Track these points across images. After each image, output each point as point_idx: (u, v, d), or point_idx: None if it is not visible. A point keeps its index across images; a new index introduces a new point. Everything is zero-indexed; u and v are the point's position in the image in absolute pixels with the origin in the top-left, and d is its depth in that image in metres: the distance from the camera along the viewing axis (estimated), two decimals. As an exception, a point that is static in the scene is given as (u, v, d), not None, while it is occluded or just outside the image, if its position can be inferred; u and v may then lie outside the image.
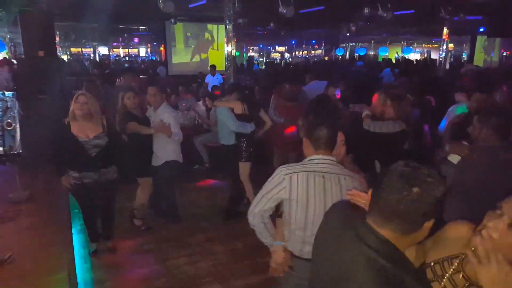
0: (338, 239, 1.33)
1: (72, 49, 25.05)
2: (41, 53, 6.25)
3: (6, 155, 2.64)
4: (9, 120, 2.63)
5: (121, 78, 7.25)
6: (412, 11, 11.35)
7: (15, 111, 2.69)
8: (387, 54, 24.76)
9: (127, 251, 4.20)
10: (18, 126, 2.67)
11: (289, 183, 2.08)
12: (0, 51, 13.61)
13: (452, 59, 15.97)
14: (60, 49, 19.83)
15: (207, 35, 15.29)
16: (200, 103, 7.36)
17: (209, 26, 15.17)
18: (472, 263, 1.15)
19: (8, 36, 16.49)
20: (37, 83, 5.94)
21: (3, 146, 2.61)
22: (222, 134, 4.87)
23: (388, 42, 26.08)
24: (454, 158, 2.87)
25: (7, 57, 13.55)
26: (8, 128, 2.64)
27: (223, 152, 5.06)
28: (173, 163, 4.44)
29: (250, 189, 4.76)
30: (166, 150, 4.40)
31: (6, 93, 2.67)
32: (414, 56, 25.66)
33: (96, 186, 3.62)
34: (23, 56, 7.07)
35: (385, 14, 9.61)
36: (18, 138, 2.70)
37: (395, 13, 9.89)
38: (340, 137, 2.35)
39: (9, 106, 2.66)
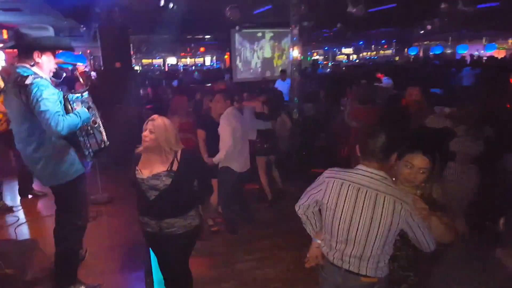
0: None
1: (144, 60, 26.52)
2: (118, 65, 6.68)
3: (100, 149, 2.91)
4: (93, 118, 2.86)
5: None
6: (497, 3, 10.37)
7: (94, 108, 2.93)
8: (466, 52, 22.92)
9: (196, 252, 4.30)
10: (99, 121, 2.92)
11: (326, 187, 2.15)
12: (82, 63, 14.83)
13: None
14: (133, 60, 21.11)
15: (270, 41, 15.37)
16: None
17: (273, 31, 15.24)
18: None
19: (88, 50, 17.97)
20: (114, 93, 6.36)
21: (96, 141, 2.88)
22: None
23: (468, 39, 24.05)
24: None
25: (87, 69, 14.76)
26: (95, 125, 2.88)
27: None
28: (228, 170, 4.40)
29: (265, 183, 5.33)
30: (219, 156, 4.36)
31: (85, 94, 2.89)
32: (498, 53, 23.48)
33: (158, 238, 2.74)
34: (102, 68, 7.60)
35: (467, 9, 8.76)
36: (103, 131, 2.96)
37: (478, 6, 9.08)
38: (420, 162, 2.14)
39: (90, 106, 2.89)
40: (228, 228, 4.68)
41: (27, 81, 2.51)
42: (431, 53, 23.42)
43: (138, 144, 2.62)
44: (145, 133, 2.56)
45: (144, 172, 2.62)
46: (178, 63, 28.01)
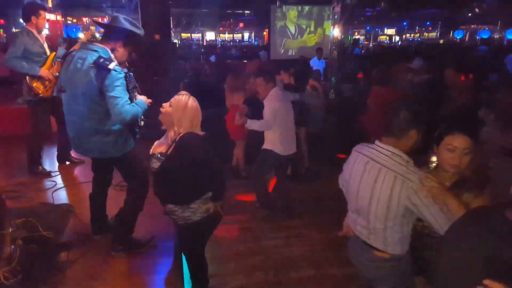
0: None
1: (183, 34, 26.68)
2: (157, 37, 6.72)
3: (141, 127, 3.05)
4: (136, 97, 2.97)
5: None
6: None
7: (137, 87, 3.02)
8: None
9: (224, 226, 4.36)
10: None
11: (349, 159, 2.25)
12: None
13: None
14: (173, 34, 21.27)
15: (311, 18, 15.00)
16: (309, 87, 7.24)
17: (314, 8, 14.86)
18: None
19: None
20: (153, 66, 6.43)
21: (141, 119, 3.02)
22: None
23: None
24: None
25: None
26: None
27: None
28: (271, 152, 4.28)
29: (305, 152, 5.57)
30: (266, 138, 4.31)
31: (131, 73, 2.97)
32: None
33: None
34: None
35: None
36: None
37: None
38: (462, 142, 1.93)
39: (136, 85, 2.98)
40: (262, 203, 4.65)
41: (110, 66, 2.61)
42: (477, 37, 22.17)
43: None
44: (165, 104, 2.45)
45: (153, 148, 2.52)
46: (217, 38, 27.99)
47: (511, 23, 22.01)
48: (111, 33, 2.79)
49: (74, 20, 19.51)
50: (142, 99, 2.92)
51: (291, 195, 4.77)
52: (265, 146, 4.31)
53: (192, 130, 2.44)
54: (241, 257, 3.86)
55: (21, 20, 4.93)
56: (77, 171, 4.86)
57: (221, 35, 28.83)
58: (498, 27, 23.34)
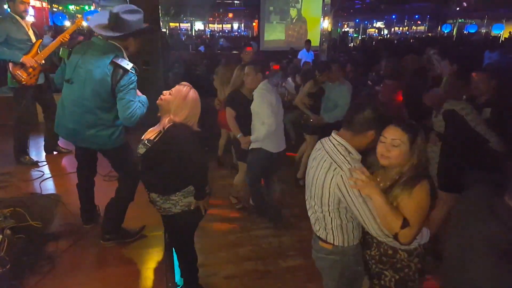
0: None
1: (171, 24, 26.36)
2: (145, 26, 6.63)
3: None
4: None
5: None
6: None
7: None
8: (502, 33, 22.01)
9: (215, 216, 4.39)
10: None
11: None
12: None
13: None
14: (161, 23, 20.99)
15: (294, 10, 14.95)
16: (289, 79, 7.27)
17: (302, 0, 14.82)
18: None
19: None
20: (141, 55, 6.34)
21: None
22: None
23: (505, 19, 23.01)
24: None
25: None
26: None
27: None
28: (261, 151, 3.99)
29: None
30: (257, 136, 3.96)
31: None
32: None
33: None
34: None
35: None
36: None
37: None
38: (391, 133, 1.97)
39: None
40: (255, 209, 4.51)
41: (128, 67, 2.59)
42: (464, 31, 22.50)
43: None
44: (165, 92, 2.50)
45: (145, 134, 2.58)
46: (206, 28, 27.76)
47: (498, 17, 22.48)
48: (119, 35, 2.68)
49: (60, 8, 19.14)
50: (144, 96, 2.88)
51: (282, 200, 4.61)
52: (253, 145, 4.02)
53: (187, 122, 2.45)
54: (231, 247, 3.90)
55: (5, 7, 4.80)
56: (64, 161, 4.80)
57: (210, 25, 28.59)
58: (485, 22, 23.71)
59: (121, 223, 3.09)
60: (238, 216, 4.47)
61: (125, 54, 2.74)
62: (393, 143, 1.95)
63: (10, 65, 4.13)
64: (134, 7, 2.74)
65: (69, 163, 4.69)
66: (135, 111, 2.63)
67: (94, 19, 2.81)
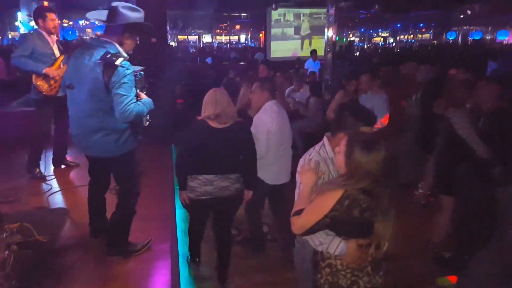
0: None
1: (179, 37, 26.66)
2: (154, 40, 6.71)
3: (146, 126, 3.00)
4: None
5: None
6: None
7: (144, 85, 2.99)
8: (507, 39, 21.99)
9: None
10: None
11: None
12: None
13: None
14: (169, 36, 21.25)
15: (306, 21, 15.04)
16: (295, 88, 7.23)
17: (309, 11, 14.90)
18: None
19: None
20: (149, 68, 6.42)
21: (146, 119, 2.96)
22: None
23: (509, 25, 23.00)
24: None
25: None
26: None
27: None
28: (258, 180, 3.46)
29: None
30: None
31: (142, 72, 2.91)
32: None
33: None
34: (137, 42, 7.65)
35: None
36: None
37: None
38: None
39: (145, 85, 2.96)
40: (252, 245, 4.02)
41: (117, 62, 2.54)
42: (470, 38, 22.49)
43: (170, 119, 2.66)
44: None
45: None
46: (213, 41, 28.00)
47: (502, 24, 22.45)
48: (114, 28, 2.70)
49: (71, 23, 19.48)
50: (149, 99, 2.86)
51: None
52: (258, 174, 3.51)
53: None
54: (239, 258, 3.86)
55: (16, 24, 4.90)
56: (72, 174, 4.83)
57: (217, 37, 28.83)
58: (490, 29, 23.69)
59: (126, 237, 3.09)
60: (245, 227, 4.43)
61: (121, 50, 2.70)
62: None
63: (33, 76, 4.22)
64: (135, 6, 2.73)
65: (77, 176, 4.72)
66: (128, 106, 2.54)
67: (93, 14, 2.83)
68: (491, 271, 1.31)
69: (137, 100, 2.70)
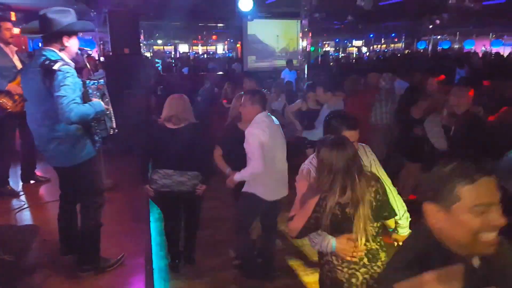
0: None
1: (155, 47, 26.46)
2: (126, 51, 6.64)
3: (109, 135, 2.97)
4: (105, 105, 2.89)
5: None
6: (503, 0, 10.33)
7: (107, 95, 2.97)
8: (473, 48, 22.99)
9: (200, 240, 4.31)
10: (111, 108, 3.01)
11: None
12: (90, 48, 14.82)
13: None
14: (144, 46, 21.06)
15: (282, 31, 15.19)
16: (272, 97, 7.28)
17: (284, 22, 15.06)
18: None
19: (98, 35, 17.90)
20: (123, 79, 6.33)
21: (106, 127, 2.93)
22: None
23: (475, 34, 24.07)
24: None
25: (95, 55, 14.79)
26: (106, 112, 2.91)
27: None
28: (253, 197, 3.40)
29: None
30: (242, 175, 3.39)
31: (101, 81, 2.90)
32: (504, 50, 23.47)
33: None
34: (110, 53, 7.56)
35: (473, 5, 8.79)
36: (113, 118, 3.02)
37: (484, 3, 9.04)
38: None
39: (105, 93, 2.94)
40: (243, 270, 3.80)
41: (55, 67, 2.54)
42: (439, 48, 23.36)
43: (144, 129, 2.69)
44: None
45: None
46: (190, 51, 27.90)
47: (468, 34, 23.45)
48: (49, 36, 2.70)
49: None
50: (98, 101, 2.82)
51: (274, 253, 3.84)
52: (246, 188, 3.44)
53: None
54: (216, 271, 3.82)
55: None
56: (42, 190, 4.69)
57: (194, 47, 28.74)
58: (457, 38, 24.70)
59: (97, 252, 3.01)
60: (221, 238, 4.39)
61: (63, 55, 2.71)
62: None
63: None
64: (63, 8, 2.72)
65: (47, 192, 4.59)
66: (69, 107, 2.49)
67: (27, 27, 2.88)
68: (404, 256, 1.33)
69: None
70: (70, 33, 2.73)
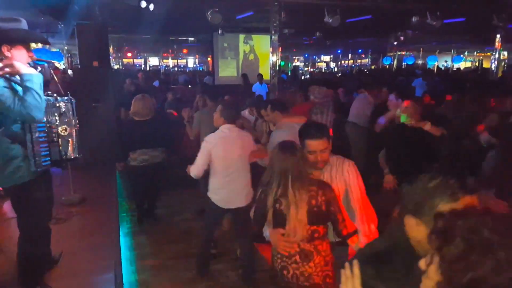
0: None
1: (125, 60, 26.16)
2: (95, 63, 6.56)
3: (62, 159, 2.74)
4: (64, 125, 2.70)
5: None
6: (463, 19, 10.92)
7: (70, 116, 2.75)
8: (436, 63, 24.09)
9: (171, 254, 4.28)
10: (74, 131, 2.73)
11: None
12: (58, 61, 14.49)
13: (505, 68, 15.27)
14: (113, 59, 20.81)
15: (246, 46, 15.40)
16: (246, 112, 7.34)
17: (254, 37, 15.30)
18: None
19: (65, 47, 17.57)
20: (91, 92, 6.24)
21: (58, 150, 2.69)
22: None
23: (438, 50, 25.26)
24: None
25: (64, 67, 14.46)
26: (65, 134, 2.71)
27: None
28: (210, 201, 3.62)
29: None
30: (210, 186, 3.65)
31: (59, 98, 2.69)
32: (464, 65, 24.83)
33: None
34: (78, 66, 7.45)
35: (434, 23, 9.25)
36: (74, 143, 2.74)
37: (445, 21, 9.52)
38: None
39: (63, 111, 2.69)
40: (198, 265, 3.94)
41: None
42: (403, 63, 24.28)
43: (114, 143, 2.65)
44: None
45: None
46: (160, 64, 27.73)
47: (431, 50, 24.51)
48: None
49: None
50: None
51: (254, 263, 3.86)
52: (210, 195, 3.64)
53: None
54: (187, 285, 3.78)
55: None
56: (6, 206, 4.52)
57: (164, 60, 28.57)
58: (421, 54, 25.85)
59: (35, 283, 2.82)
60: (191, 252, 4.36)
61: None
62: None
63: None
64: (11, 17, 2.54)
65: (9, 208, 4.42)
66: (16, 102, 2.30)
67: None
68: (376, 246, 1.43)
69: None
70: (10, 41, 2.48)
